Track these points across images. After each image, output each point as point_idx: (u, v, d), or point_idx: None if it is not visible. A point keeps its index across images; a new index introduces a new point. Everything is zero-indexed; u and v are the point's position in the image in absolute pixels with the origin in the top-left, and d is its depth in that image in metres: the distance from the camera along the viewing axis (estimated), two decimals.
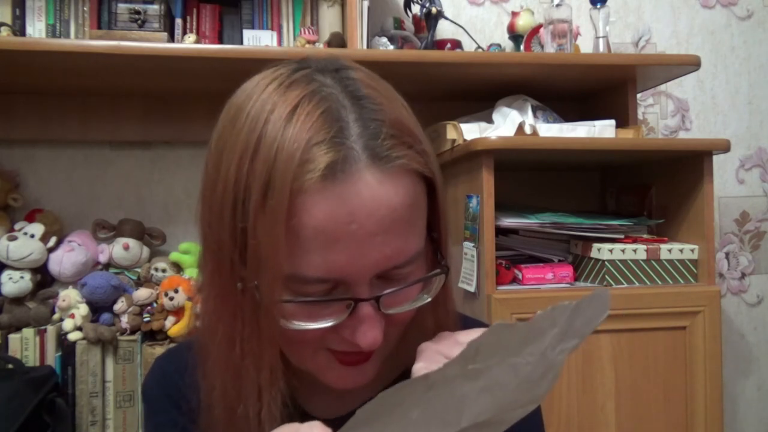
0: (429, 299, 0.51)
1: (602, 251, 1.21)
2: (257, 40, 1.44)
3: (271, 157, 0.44)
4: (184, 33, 1.43)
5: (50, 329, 1.28)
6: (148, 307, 1.33)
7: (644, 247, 1.22)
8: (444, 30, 1.60)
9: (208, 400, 0.51)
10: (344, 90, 0.47)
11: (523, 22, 1.56)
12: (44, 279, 1.37)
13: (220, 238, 0.47)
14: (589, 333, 0.38)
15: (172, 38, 1.40)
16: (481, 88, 1.46)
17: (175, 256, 1.42)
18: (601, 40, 1.45)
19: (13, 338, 1.25)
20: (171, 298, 1.29)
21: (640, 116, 1.73)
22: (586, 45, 1.64)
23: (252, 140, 0.45)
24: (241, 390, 0.48)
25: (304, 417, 0.57)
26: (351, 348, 0.49)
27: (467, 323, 0.61)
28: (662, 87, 1.73)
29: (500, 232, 1.23)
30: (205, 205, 0.49)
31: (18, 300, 1.32)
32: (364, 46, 1.38)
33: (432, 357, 0.46)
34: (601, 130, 1.29)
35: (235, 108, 0.49)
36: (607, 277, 1.20)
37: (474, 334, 0.46)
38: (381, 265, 0.46)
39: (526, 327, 0.35)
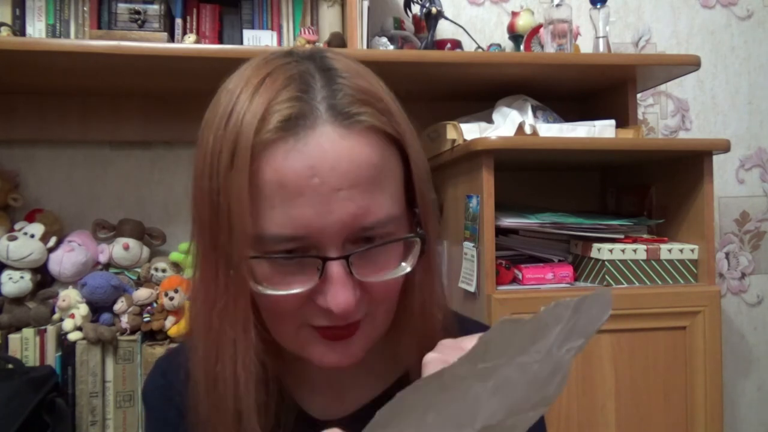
0: (408, 269, 0.50)
1: (602, 251, 1.21)
2: (257, 40, 1.44)
3: (239, 120, 0.46)
4: (184, 33, 1.43)
5: (50, 329, 1.28)
6: (148, 307, 1.33)
7: (644, 247, 1.22)
8: (444, 30, 1.60)
9: (191, 364, 0.52)
10: (316, 65, 0.49)
11: (523, 22, 1.56)
12: (44, 279, 1.37)
13: (201, 208, 0.49)
14: (593, 333, 0.38)
15: (172, 38, 1.40)
16: (481, 88, 1.46)
17: (175, 256, 1.42)
18: (601, 40, 1.45)
19: (13, 338, 1.25)
20: (171, 298, 1.29)
21: (640, 116, 1.73)
22: (586, 45, 1.64)
23: (226, 111, 0.47)
24: (218, 349, 0.49)
25: (300, 414, 0.56)
26: (330, 321, 0.48)
27: (464, 324, 0.61)
28: (662, 87, 1.73)
29: (500, 232, 1.23)
30: (192, 182, 0.51)
31: (18, 300, 1.32)
32: (364, 46, 1.38)
33: (439, 368, 0.46)
34: (601, 130, 1.29)
35: (218, 92, 0.52)
36: (607, 277, 1.20)
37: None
38: (347, 223, 0.46)
39: (532, 324, 0.35)
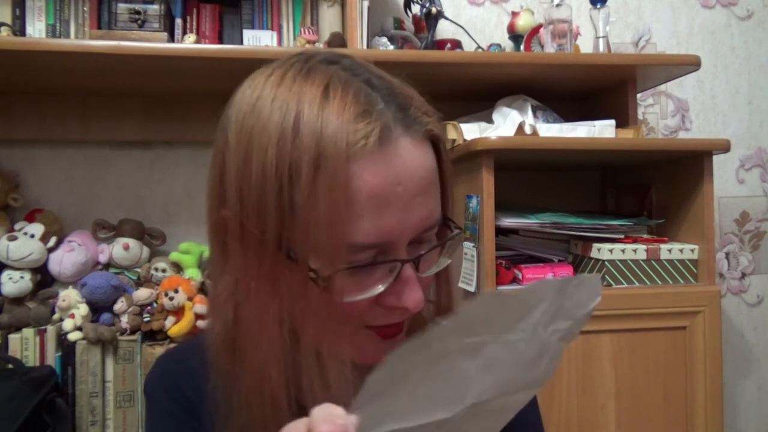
0: (449, 261, 0.54)
1: (602, 251, 1.21)
2: (257, 40, 1.44)
3: (317, 131, 0.45)
4: (184, 33, 1.43)
5: (50, 329, 1.27)
6: (148, 307, 1.33)
7: (644, 247, 1.22)
8: (444, 30, 1.60)
9: (258, 391, 0.50)
10: (355, 76, 0.50)
11: (523, 22, 1.56)
12: (44, 279, 1.37)
13: (263, 222, 0.47)
14: (582, 318, 0.39)
15: (172, 38, 1.40)
16: (481, 88, 1.46)
17: (175, 256, 1.42)
18: (601, 40, 1.45)
19: (13, 338, 1.25)
20: (171, 298, 1.29)
21: (640, 116, 1.73)
22: (586, 45, 1.64)
23: (288, 121, 0.46)
24: (301, 365, 0.49)
25: (302, 411, 0.56)
26: (390, 319, 0.51)
27: None
28: (662, 87, 1.73)
29: (500, 232, 1.23)
30: (232, 192, 0.49)
31: (18, 300, 1.32)
32: (364, 46, 1.38)
33: None
34: (601, 130, 1.29)
35: (252, 100, 0.50)
36: (607, 277, 1.20)
37: None
38: (420, 225, 0.49)
39: (515, 299, 0.37)
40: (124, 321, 1.30)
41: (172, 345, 1.30)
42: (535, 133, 1.21)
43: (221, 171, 0.50)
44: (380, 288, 0.48)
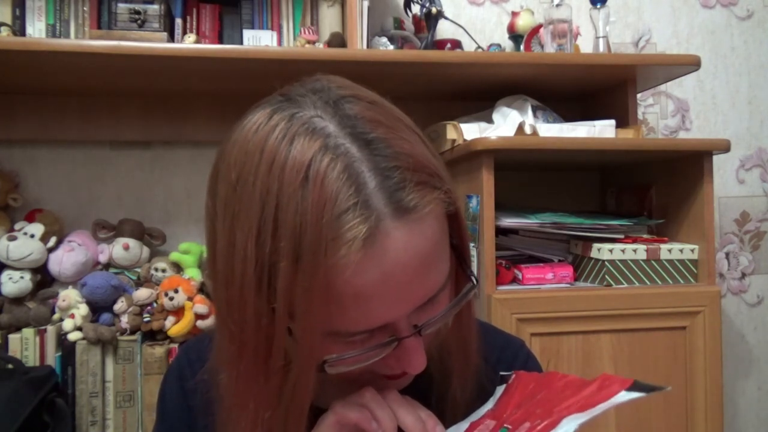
0: (458, 309, 0.51)
1: (602, 251, 1.21)
2: (257, 40, 1.44)
3: (296, 232, 0.42)
4: (184, 33, 1.43)
5: (50, 329, 1.27)
6: (148, 307, 1.33)
7: (644, 247, 1.22)
8: (444, 30, 1.60)
9: None
10: (350, 134, 0.44)
11: (523, 22, 1.56)
12: (44, 279, 1.37)
13: (243, 319, 0.45)
14: None
15: (172, 38, 1.40)
16: (481, 88, 1.46)
17: (175, 256, 1.42)
18: (601, 40, 1.45)
19: (13, 338, 1.25)
20: (171, 298, 1.29)
21: (640, 116, 1.73)
22: (586, 45, 1.64)
23: (268, 213, 0.43)
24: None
25: (315, 411, 0.57)
26: (397, 372, 0.50)
27: (485, 330, 0.63)
28: (662, 87, 1.73)
29: (500, 232, 1.23)
30: (219, 281, 0.48)
31: (18, 300, 1.31)
32: (364, 46, 1.38)
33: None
34: (601, 130, 1.29)
35: (237, 170, 0.46)
36: (607, 277, 1.20)
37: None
38: (418, 302, 0.46)
39: None
40: (124, 321, 1.30)
41: (172, 345, 1.30)
42: (535, 133, 1.21)
43: (213, 253, 0.49)
44: (376, 358, 0.47)
